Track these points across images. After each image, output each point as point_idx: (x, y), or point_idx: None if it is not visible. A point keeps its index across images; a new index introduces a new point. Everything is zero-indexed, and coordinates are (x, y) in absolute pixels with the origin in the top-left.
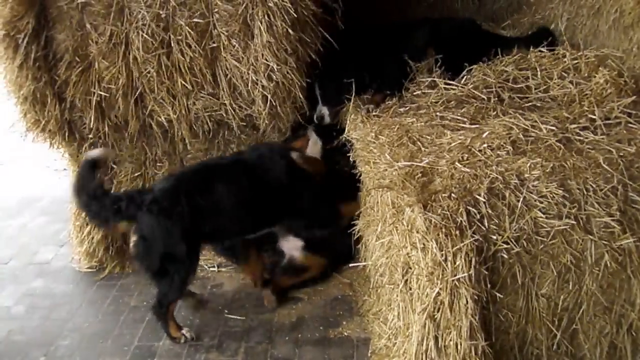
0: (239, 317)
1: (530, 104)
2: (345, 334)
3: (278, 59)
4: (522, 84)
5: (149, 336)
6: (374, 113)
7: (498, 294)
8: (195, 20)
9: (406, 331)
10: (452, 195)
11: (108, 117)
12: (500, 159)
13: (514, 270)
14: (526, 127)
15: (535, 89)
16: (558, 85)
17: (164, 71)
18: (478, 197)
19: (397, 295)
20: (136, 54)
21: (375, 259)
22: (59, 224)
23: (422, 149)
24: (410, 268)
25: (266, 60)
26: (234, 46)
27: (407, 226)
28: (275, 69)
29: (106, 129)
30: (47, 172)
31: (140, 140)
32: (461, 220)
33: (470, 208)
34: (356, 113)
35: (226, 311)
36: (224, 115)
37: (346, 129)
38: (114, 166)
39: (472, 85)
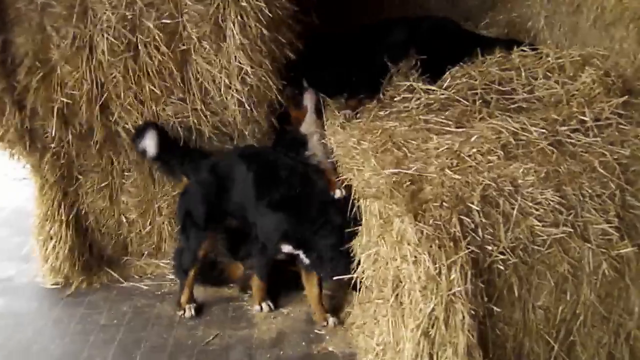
0: (215, 333)
1: (516, 105)
2: (330, 349)
3: (252, 61)
4: (507, 85)
5: (120, 358)
6: (352, 118)
7: (495, 308)
8: (163, 21)
9: (396, 347)
10: (444, 204)
11: (72, 125)
12: (491, 164)
13: (510, 282)
14: (515, 130)
15: (520, 89)
16: (543, 86)
17: (131, 76)
18: (471, 205)
19: (386, 310)
20: (101, 58)
21: (360, 272)
22: (21, 237)
23: (409, 154)
24: (401, 282)
25: (240, 62)
26: (205, 48)
27: (397, 237)
28: (250, 72)
29: (70, 137)
30: (6, 181)
31: (106, 149)
32: (455, 231)
33: (464, 217)
34: (333, 117)
35: (202, 327)
36: (196, 121)
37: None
38: (79, 177)
39: (455, 88)
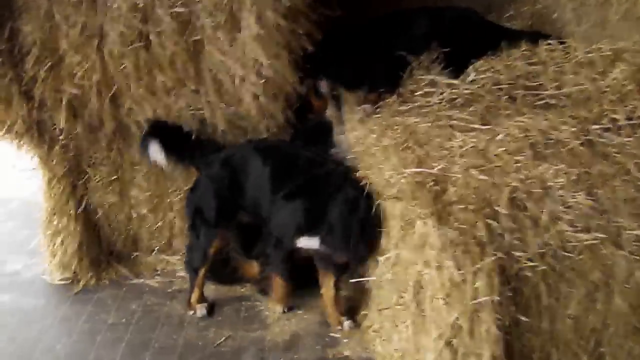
0: (227, 334)
1: (543, 102)
2: (346, 353)
3: (268, 52)
4: (534, 80)
5: (128, 358)
6: (372, 113)
7: (522, 318)
8: (176, 10)
9: (416, 354)
10: (469, 206)
11: (81, 117)
12: (519, 165)
13: (538, 290)
14: (544, 128)
15: (547, 85)
16: (572, 81)
17: (142, 66)
18: (498, 208)
19: (407, 317)
20: (111, 48)
21: (378, 275)
22: (28, 230)
23: (431, 153)
24: (423, 288)
25: (255, 54)
26: (219, 39)
27: (419, 241)
28: (265, 64)
29: (79, 129)
30: (15, 172)
31: (116, 141)
32: (480, 236)
33: (490, 221)
34: (352, 111)
35: (213, 328)
36: (209, 114)
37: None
38: (88, 170)
39: (479, 82)
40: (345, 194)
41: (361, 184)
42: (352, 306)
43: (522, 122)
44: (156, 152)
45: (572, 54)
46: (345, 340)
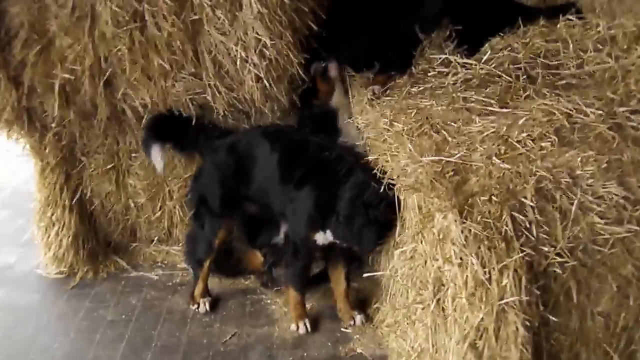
0: (232, 331)
1: (564, 82)
2: (358, 350)
3: (271, 32)
4: (553, 58)
5: (129, 358)
6: (381, 95)
7: (551, 317)
8: None
9: (435, 354)
10: (493, 198)
11: (74, 103)
12: (544, 152)
13: (567, 287)
14: (569, 111)
15: (568, 64)
16: (594, 60)
17: (138, 48)
18: (524, 200)
19: (426, 315)
20: (104, 29)
21: (392, 268)
22: (22, 220)
23: (449, 139)
24: (444, 285)
25: (257, 34)
26: (219, 18)
27: (438, 235)
28: (269, 44)
29: (72, 116)
30: (7, 158)
31: (111, 128)
32: (506, 230)
33: (516, 214)
34: (360, 93)
35: (217, 325)
36: (209, 98)
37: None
38: (82, 159)
39: (496, 62)
40: (355, 178)
41: (372, 169)
42: (363, 299)
43: (545, 104)
44: (157, 157)
45: (593, 30)
46: (357, 336)
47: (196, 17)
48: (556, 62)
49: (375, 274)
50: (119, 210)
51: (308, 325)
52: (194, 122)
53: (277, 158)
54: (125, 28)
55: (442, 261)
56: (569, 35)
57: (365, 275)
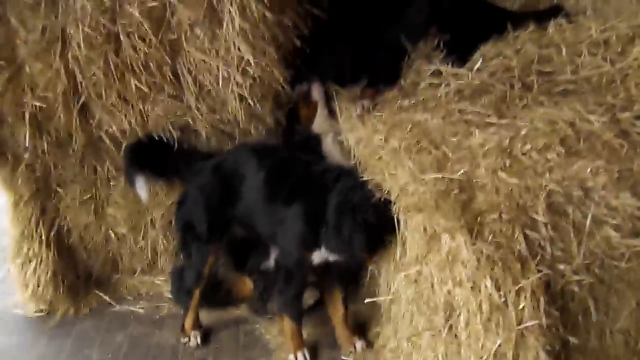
0: None
1: (561, 88)
2: None
3: (254, 49)
4: (547, 64)
5: None
6: (371, 109)
7: (571, 339)
8: (149, 4)
9: None
10: (503, 215)
11: (47, 131)
12: (551, 164)
13: (585, 306)
14: (572, 120)
15: (563, 69)
16: (589, 64)
17: (113, 71)
18: (536, 216)
19: (437, 342)
20: (77, 53)
21: (395, 292)
22: None
23: (449, 154)
24: (455, 310)
25: (240, 51)
26: (198, 36)
27: (447, 257)
28: (252, 62)
29: (45, 146)
30: None
31: (88, 157)
32: (520, 249)
33: (529, 231)
34: (349, 109)
35: (211, 359)
36: (191, 121)
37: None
38: (58, 189)
39: (488, 70)
40: (342, 184)
41: (360, 176)
42: (361, 322)
43: (546, 113)
44: (142, 187)
45: (585, 33)
46: None
47: (174, 36)
48: (550, 68)
49: (377, 299)
50: (99, 241)
51: (307, 356)
52: (175, 146)
53: (265, 175)
54: (99, 50)
55: (452, 285)
56: (562, 39)
57: (367, 300)
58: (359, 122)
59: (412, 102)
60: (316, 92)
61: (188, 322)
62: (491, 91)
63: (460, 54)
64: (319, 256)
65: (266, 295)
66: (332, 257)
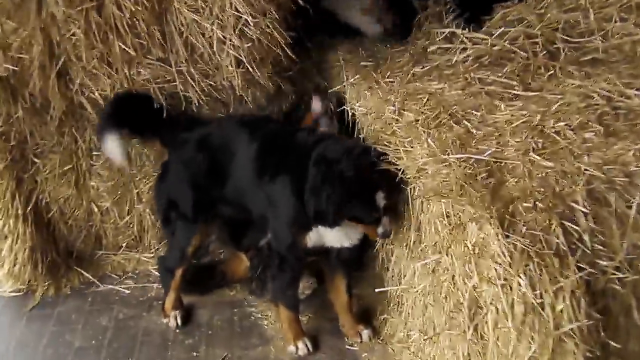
0: (222, 355)
1: (589, 57)
2: None
3: (253, 8)
4: (574, 30)
5: None
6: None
7: (613, 344)
8: None
9: None
10: (538, 204)
11: (22, 97)
12: (589, 144)
13: (627, 305)
14: (607, 93)
15: (591, 36)
16: (620, 31)
17: (95, 32)
18: (575, 205)
19: (459, 343)
20: (54, 10)
21: (407, 281)
22: None
23: (473, 131)
24: (481, 308)
25: (237, 10)
26: None
27: (472, 249)
28: (250, 22)
29: (21, 113)
30: None
31: (68, 124)
32: (558, 243)
33: (567, 223)
34: (356, 71)
35: (203, 347)
36: (181, 86)
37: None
38: (36, 160)
39: (509, 36)
40: (323, 144)
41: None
42: (365, 308)
43: (577, 85)
44: (114, 148)
45: None
46: (365, 354)
47: None
48: (577, 35)
49: (387, 288)
50: (81, 216)
51: (309, 345)
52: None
53: (256, 150)
54: (79, 8)
55: (479, 280)
56: (589, 2)
57: (377, 290)
58: (366, 92)
59: (426, 68)
60: (316, 105)
61: (168, 302)
62: (512, 59)
63: (474, 15)
64: (314, 238)
65: (264, 275)
66: (328, 239)
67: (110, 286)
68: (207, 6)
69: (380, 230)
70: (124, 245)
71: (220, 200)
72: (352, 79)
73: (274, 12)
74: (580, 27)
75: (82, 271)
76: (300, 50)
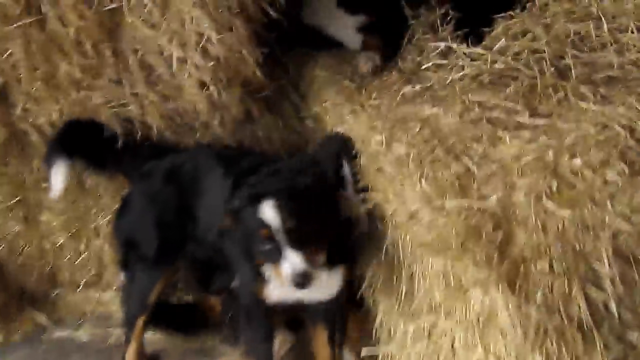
0: None
1: (603, 74)
2: None
3: (217, 23)
4: (585, 44)
5: None
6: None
7: None
8: None
9: None
10: (554, 264)
11: None
12: (613, 188)
13: None
14: (629, 122)
15: (604, 51)
16: (638, 43)
17: (36, 51)
18: (599, 267)
19: None
20: None
21: (399, 342)
22: None
23: (473, 169)
24: None
25: (198, 25)
26: (145, 5)
27: (477, 318)
28: (214, 39)
29: None
30: None
31: (12, 154)
32: (580, 315)
33: (590, 288)
34: (338, 91)
35: None
36: (138, 110)
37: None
38: None
39: (511, 50)
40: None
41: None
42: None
43: (592, 110)
44: (57, 176)
45: (630, 2)
46: None
47: (113, 5)
48: (589, 49)
49: (375, 348)
50: (33, 253)
51: None
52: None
53: (231, 187)
54: (17, 24)
55: (484, 353)
56: (600, 10)
57: (363, 352)
58: (349, 115)
59: (417, 88)
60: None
61: (129, 354)
62: (515, 77)
63: (473, 27)
64: (276, 292)
65: (236, 322)
66: (298, 293)
67: (67, 332)
68: (164, 20)
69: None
70: (82, 283)
71: (191, 240)
72: (332, 100)
73: (241, 27)
74: (592, 39)
75: (36, 313)
76: (274, 67)
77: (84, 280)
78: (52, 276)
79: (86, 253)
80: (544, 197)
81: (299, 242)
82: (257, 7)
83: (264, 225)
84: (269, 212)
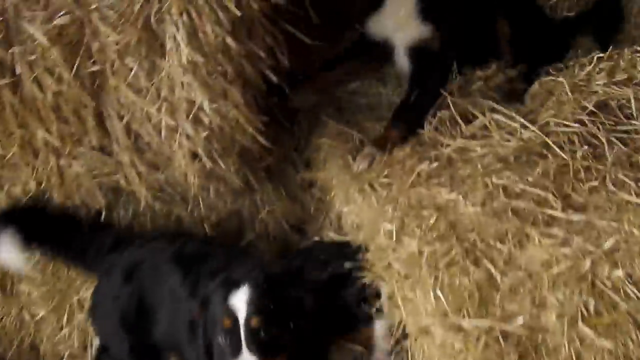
0: None
1: None
2: None
3: (210, 89)
4: (623, 113)
5: None
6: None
7: None
8: (57, 22)
9: None
10: None
11: None
12: None
13: None
14: None
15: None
16: None
17: (10, 117)
18: None
19: None
20: None
21: None
22: None
23: (497, 277)
24: None
25: (189, 92)
26: (131, 69)
27: None
28: (206, 107)
29: None
30: None
31: None
32: None
33: None
34: (345, 164)
35: None
36: (124, 180)
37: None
38: None
39: (540, 119)
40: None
41: None
42: None
43: (634, 204)
44: (8, 248)
45: None
46: None
47: (96, 67)
48: (625, 120)
49: None
50: (12, 326)
51: None
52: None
53: (189, 293)
54: None
55: None
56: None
57: None
58: (357, 194)
59: (434, 166)
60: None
61: None
62: (543, 156)
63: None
64: None
65: None
66: None
67: None
68: (152, 85)
69: None
70: (65, 354)
71: (157, 347)
72: (338, 174)
73: (237, 94)
74: (631, 108)
75: None
76: (278, 134)
77: (68, 352)
78: (34, 347)
79: (68, 327)
80: (580, 320)
81: (259, 344)
82: (256, 72)
83: (229, 314)
84: (239, 300)
